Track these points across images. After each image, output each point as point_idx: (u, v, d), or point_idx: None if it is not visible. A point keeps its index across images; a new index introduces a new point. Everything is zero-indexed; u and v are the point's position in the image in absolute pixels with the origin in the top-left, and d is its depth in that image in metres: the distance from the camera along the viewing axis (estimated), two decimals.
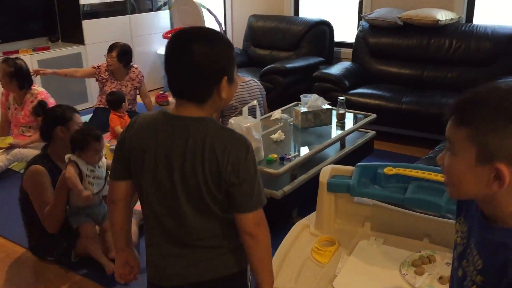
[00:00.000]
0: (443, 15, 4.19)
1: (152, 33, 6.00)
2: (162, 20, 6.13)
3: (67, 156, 2.51)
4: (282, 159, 2.83)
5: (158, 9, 6.10)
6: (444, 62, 4.25)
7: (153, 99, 5.47)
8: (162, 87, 6.15)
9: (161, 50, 6.08)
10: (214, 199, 1.34)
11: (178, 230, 1.39)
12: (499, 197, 0.95)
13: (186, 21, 5.65)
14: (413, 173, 1.78)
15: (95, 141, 2.50)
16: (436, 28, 4.22)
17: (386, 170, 1.82)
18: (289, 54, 5.13)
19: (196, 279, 1.42)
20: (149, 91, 5.39)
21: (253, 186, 1.34)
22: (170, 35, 5.69)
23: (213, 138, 1.31)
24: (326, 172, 1.90)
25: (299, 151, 3.03)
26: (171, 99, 5.68)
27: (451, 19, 4.25)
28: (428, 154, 2.95)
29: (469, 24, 4.30)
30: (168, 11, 6.15)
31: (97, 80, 4.46)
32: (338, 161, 3.06)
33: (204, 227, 1.38)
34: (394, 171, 1.81)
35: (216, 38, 1.34)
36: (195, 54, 1.28)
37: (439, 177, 1.72)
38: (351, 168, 1.91)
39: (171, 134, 1.34)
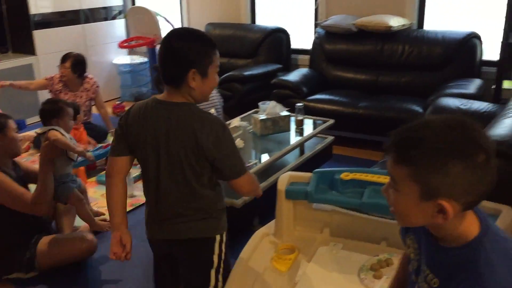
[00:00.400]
0: (395, 21, 4.30)
1: (107, 43, 5.89)
2: (117, 29, 6.03)
3: (37, 130, 2.62)
4: None
5: (113, 18, 6.00)
6: (397, 67, 4.36)
7: (110, 110, 5.36)
8: (119, 97, 6.03)
9: (117, 60, 5.98)
10: (194, 173, 1.63)
11: (163, 196, 1.69)
12: (447, 224, 0.98)
13: (142, 30, 5.58)
14: (369, 177, 1.80)
15: (67, 106, 2.70)
16: (389, 34, 4.33)
17: (342, 175, 1.83)
18: (247, 62, 5.14)
19: (174, 237, 1.74)
20: (105, 101, 5.28)
21: (234, 156, 1.65)
22: (126, 44, 5.65)
23: (191, 119, 1.59)
24: (284, 179, 1.90)
25: (258, 158, 3.03)
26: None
27: (403, 25, 4.37)
28: (384, 158, 3.00)
29: (420, 29, 4.44)
30: (123, 20, 6.06)
31: (50, 91, 4.33)
32: (298, 167, 3.07)
33: (182, 197, 1.67)
34: (351, 176, 1.83)
35: (194, 37, 1.64)
36: (173, 47, 1.59)
37: None
38: (308, 174, 1.92)
39: (157, 116, 1.63)
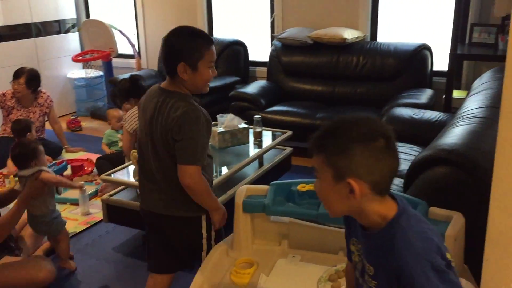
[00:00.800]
0: (349, 34, 4.40)
1: (60, 56, 5.76)
2: (71, 42, 5.91)
3: (21, 173, 2.61)
4: None
5: (67, 31, 5.88)
6: (353, 78, 4.45)
7: (64, 125, 5.22)
8: (74, 112, 5.89)
9: (72, 74, 5.85)
10: (168, 152, 1.85)
11: (149, 171, 1.93)
12: (365, 207, 1.11)
13: (97, 43, 5.48)
14: None
15: (37, 145, 2.73)
16: (343, 46, 4.42)
17: (299, 187, 1.84)
18: None
19: (161, 211, 1.96)
20: (60, 116, 5.16)
21: (188, 144, 1.81)
22: (80, 57, 5.53)
23: (173, 105, 1.81)
24: (241, 192, 1.89)
25: (217, 171, 3.01)
26: (84, 124, 5.46)
27: (357, 37, 4.47)
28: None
29: (374, 41, 4.55)
30: (77, 33, 5.94)
31: (1, 108, 4.18)
32: (257, 179, 3.07)
33: (163, 173, 1.90)
34: (307, 187, 1.84)
35: (186, 33, 1.87)
36: (167, 42, 1.86)
37: None
38: (265, 187, 1.92)
39: (152, 101, 1.89)
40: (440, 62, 4.33)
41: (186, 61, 1.81)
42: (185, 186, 1.84)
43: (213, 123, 3.68)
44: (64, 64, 5.79)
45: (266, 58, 4.95)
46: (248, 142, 3.37)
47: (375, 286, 1.14)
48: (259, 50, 5.25)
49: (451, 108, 3.81)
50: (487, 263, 1.23)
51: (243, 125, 3.37)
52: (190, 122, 1.80)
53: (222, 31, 5.44)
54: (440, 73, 4.32)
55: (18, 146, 2.75)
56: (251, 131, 3.44)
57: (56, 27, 5.73)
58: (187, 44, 1.83)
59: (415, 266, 1.04)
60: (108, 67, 5.51)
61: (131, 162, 3.11)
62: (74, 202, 3.45)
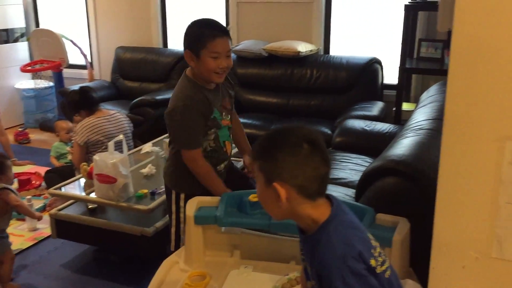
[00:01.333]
0: (303, 47, 4.47)
1: (8, 66, 5.57)
2: (20, 52, 5.72)
3: None
4: (153, 194, 2.73)
5: (15, 40, 5.69)
6: (307, 90, 4.51)
7: (11, 137, 5.03)
8: (22, 124, 5.68)
9: (20, 84, 5.65)
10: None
11: None
12: (296, 210, 1.18)
13: (47, 53, 5.33)
14: None
15: (5, 159, 2.74)
16: (297, 59, 4.49)
17: (250, 197, 1.83)
18: (160, 86, 5.07)
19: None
20: (7, 128, 4.98)
21: (171, 130, 2.09)
22: (29, 68, 5.34)
23: (174, 89, 2.10)
24: (192, 204, 1.86)
25: None
26: (32, 136, 5.27)
27: (311, 50, 4.55)
28: None
29: (327, 55, 4.65)
30: (26, 42, 5.75)
31: None
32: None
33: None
34: None
35: (198, 23, 2.02)
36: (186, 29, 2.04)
37: None
38: (216, 198, 1.90)
39: None
40: (390, 75, 4.47)
41: (190, 49, 1.98)
42: (189, 168, 2.08)
43: (166, 135, 3.67)
44: (12, 74, 5.59)
45: None
46: None
47: (312, 286, 1.21)
48: None
49: (400, 120, 3.93)
50: (433, 271, 1.26)
51: None
52: (173, 109, 2.02)
53: (177, 42, 5.41)
54: (390, 86, 4.45)
55: None
56: None
57: (4, 36, 5.53)
58: (193, 33, 1.99)
59: (334, 269, 1.11)
60: (58, 78, 5.35)
61: (81, 175, 3.02)
62: (20, 218, 3.31)
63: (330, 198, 1.23)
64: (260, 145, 1.22)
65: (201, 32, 1.98)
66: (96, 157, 2.63)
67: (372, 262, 1.14)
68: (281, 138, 1.18)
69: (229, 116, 2.22)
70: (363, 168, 2.95)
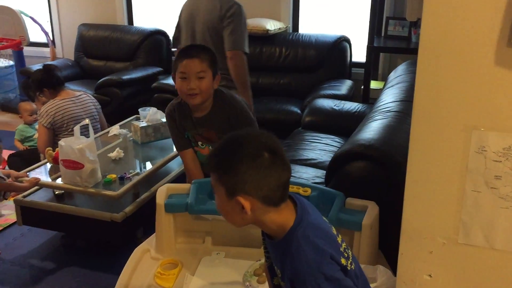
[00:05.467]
0: (271, 25, 4.42)
1: None
2: None
3: None
4: (122, 179, 2.69)
5: None
6: (276, 69, 4.48)
7: None
8: None
9: None
10: None
11: None
12: (263, 219, 1.16)
13: (6, 30, 5.10)
14: None
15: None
16: (266, 37, 4.44)
17: None
18: (126, 65, 4.95)
19: None
20: None
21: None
22: None
23: None
24: (162, 192, 1.85)
25: (140, 168, 2.93)
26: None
27: (279, 28, 4.51)
28: None
29: (296, 33, 4.61)
30: None
31: None
32: (182, 175, 3.02)
33: None
34: None
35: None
36: None
37: None
38: (187, 185, 1.89)
39: None
40: (358, 53, 4.48)
41: (173, 72, 2.18)
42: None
43: (134, 116, 3.62)
44: None
45: None
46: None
47: (284, 286, 1.20)
48: None
49: (369, 98, 3.96)
50: (402, 256, 1.29)
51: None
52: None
53: (143, 20, 5.27)
54: (358, 64, 4.47)
55: None
56: None
57: None
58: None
59: (308, 278, 1.10)
60: (19, 57, 5.14)
61: (46, 160, 2.94)
62: None
63: (291, 197, 1.21)
64: (217, 156, 1.16)
65: (177, 55, 2.20)
66: (62, 142, 2.55)
67: (343, 261, 1.16)
68: (240, 148, 1.13)
69: (211, 146, 2.27)
70: (333, 149, 2.99)
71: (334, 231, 1.24)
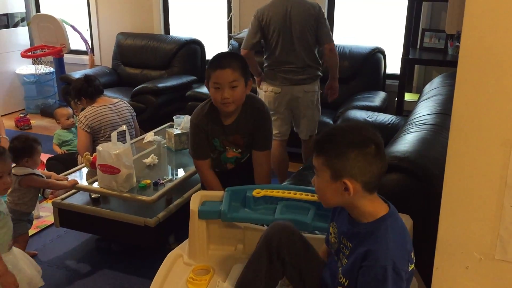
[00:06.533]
0: None
1: (9, 51, 5.53)
2: (20, 37, 5.67)
3: (15, 171, 2.58)
4: (156, 185, 2.74)
5: (15, 25, 5.64)
6: None
7: (12, 123, 5.03)
8: (23, 109, 5.67)
9: (21, 70, 5.63)
10: None
11: None
12: (356, 202, 1.32)
13: (48, 38, 5.30)
14: (280, 193, 1.83)
15: (37, 144, 2.75)
16: None
17: (254, 192, 1.84)
18: (161, 73, 5.05)
19: None
20: (8, 113, 4.98)
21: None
22: (30, 53, 5.31)
23: None
24: (196, 199, 1.87)
25: (173, 175, 2.98)
26: (33, 122, 5.26)
27: None
28: (298, 169, 3.07)
29: None
30: (26, 27, 5.71)
31: None
32: None
33: None
34: (262, 193, 1.84)
35: (212, 58, 2.27)
36: None
37: (304, 196, 1.80)
38: (220, 193, 1.91)
39: None
40: (393, 65, 4.44)
41: (206, 81, 2.23)
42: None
43: (169, 124, 3.69)
44: (12, 60, 5.56)
45: None
46: None
47: (345, 265, 1.35)
48: (216, 50, 5.21)
49: (402, 111, 3.92)
50: (437, 271, 1.28)
51: None
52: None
53: (179, 30, 5.37)
54: (392, 76, 4.43)
55: (16, 139, 2.75)
56: None
57: (4, 21, 5.48)
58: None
59: (381, 257, 1.24)
60: (59, 64, 5.32)
61: (83, 164, 3.02)
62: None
63: (382, 198, 1.38)
64: (326, 141, 1.31)
65: (209, 65, 2.20)
66: (100, 147, 2.63)
67: (411, 266, 1.29)
68: (349, 137, 1.28)
69: (235, 149, 2.37)
70: None
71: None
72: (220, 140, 2.35)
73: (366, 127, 1.32)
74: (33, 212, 2.79)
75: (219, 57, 2.23)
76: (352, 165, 1.25)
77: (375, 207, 1.32)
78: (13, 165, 2.69)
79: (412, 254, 1.31)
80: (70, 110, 3.99)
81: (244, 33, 4.65)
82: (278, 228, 1.59)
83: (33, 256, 2.73)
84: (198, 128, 2.30)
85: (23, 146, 2.69)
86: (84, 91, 3.41)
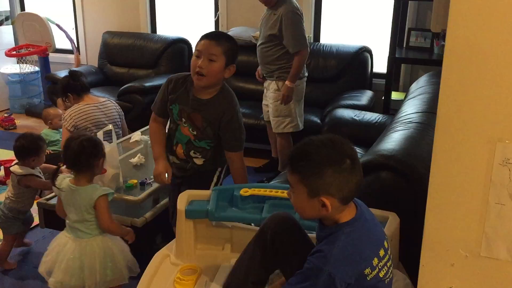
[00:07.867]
0: None
1: None
2: (4, 36, 5.60)
3: (15, 170, 2.66)
4: (143, 184, 2.72)
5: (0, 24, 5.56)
6: None
7: None
8: (8, 109, 5.60)
9: (5, 69, 5.55)
10: None
11: None
12: (333, 215, 1.33)
13: (33, 37, 5.23)
14: (267, 192, 1.83)
15: (43, 143, 2.80)
16: None
17: (242, 191, 1.83)
18: (148, 72, 5.02)
19: None
20: None
21: None
22: (14, 52, 5.24)
23: None
24: (182, 198, 1.86)
25: None
26: (18, 122, 5.20)
27: None
28: (285, 170, 3.07)
29: (317, 43, 4.62)
30: (11, 26, 5.63)
31: None
32: None
33: None
34: (250, 192, 1.84)
35: None
36: None
37: None
38: (207, 192, 1.90)
39: None
40: (379, 64, 4.47)
41: None
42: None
43: None
44: None
45: None
46: None
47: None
48: None
49: (389, 109, 3.94)
50: (423, 268, 1.28)
51: None
52: None
53: (166, 28, 5.35)
54: (379, 75, 4.45)
55: (22, 137, 2.74)
56: None
57: None
58: None
59: (321, 259, 1.27)
60: (44, 63, 5.26)
61: None
62: None
63: (355, 202, 1.37)
64: (302, 160, 1.28)
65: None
66: None
67: (372, 274, 1.29)
68: (324, 154, 1.26)
69: (191, 129, 2.24)
70: None
71: (386, 244, 1.38)
72: (180, 109, 2.24)
73: (338, 140, 1.30)
74: (30, 211, 2.83)
75: (214, 31, 2.24)
76: (328, 183, 1.25)
77: (342, 215, 1.32)
78: (15, 161, 2.76)
79: (376, 260, 1.30)
80: (59, 111, 3.95)
81: (232, 32, 4.65)
82: (275, 218, 1.58)
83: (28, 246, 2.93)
84: (170, 84, 2.27)
85: (30, 145, 2.72)
86: (70, 87, 3.36)
